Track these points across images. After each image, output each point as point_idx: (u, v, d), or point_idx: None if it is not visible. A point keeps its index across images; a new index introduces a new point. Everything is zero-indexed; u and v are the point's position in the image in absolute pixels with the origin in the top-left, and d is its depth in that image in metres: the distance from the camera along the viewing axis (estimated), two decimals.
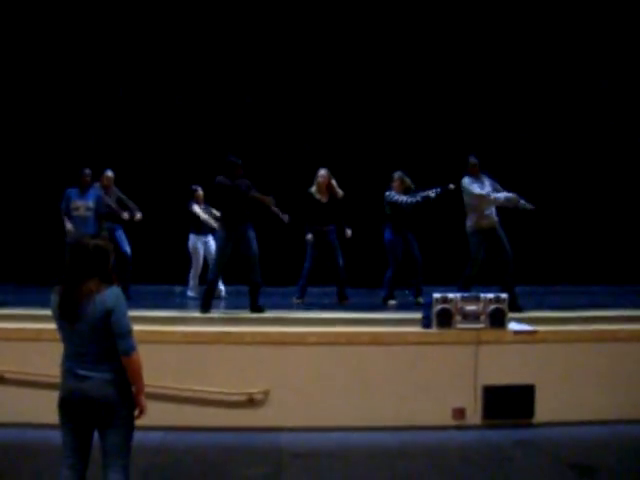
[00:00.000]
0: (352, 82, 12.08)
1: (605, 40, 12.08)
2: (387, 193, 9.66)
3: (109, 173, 10.04)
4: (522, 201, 8.86)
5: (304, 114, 12.13)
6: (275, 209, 8.91)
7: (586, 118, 12.25)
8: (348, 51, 12.01)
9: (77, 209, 9.39)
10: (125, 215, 9.82)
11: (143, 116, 11.96)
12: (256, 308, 8.31)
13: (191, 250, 10.55)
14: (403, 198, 9.52)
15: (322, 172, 9.64)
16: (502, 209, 8.96)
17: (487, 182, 8.90)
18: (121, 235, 10.05)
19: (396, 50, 12.08)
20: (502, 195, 8.79)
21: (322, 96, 12.11)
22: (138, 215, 9.91)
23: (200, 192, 10.54)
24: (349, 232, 9.94)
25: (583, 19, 12.11)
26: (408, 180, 9.74)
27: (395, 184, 9.69)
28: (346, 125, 12.08)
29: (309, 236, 9.74)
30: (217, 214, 9.79)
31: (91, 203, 9.41)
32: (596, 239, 12.05)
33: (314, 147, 11.76)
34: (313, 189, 9.67)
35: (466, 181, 8.82)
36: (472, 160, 8.91)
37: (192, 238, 10.53)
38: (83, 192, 9.44)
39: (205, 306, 8.31)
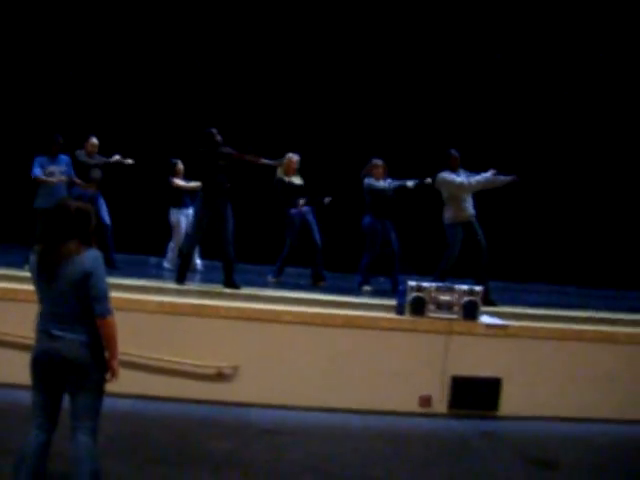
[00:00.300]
0: (341, 72, 12.06)
1: (604, 39, 12.11)
2: (366, 181, 9.70)
3: (94, 140, 10.03)
4: (501, 177, 8.89)
5: (285, 98, 12.10)
6: (265, 161, 8.86)
7: (572, 117, 12.32)
8: (332, 41, 11.96)
9: (52, 174, 9.38)
10: (116, 157, 9.98)
11: (123, 88, 11.91)
12: (230, 284, 8.34)
13: (173, 223, 10.54)
14: (381, 184, 9.58)
15: (293, 156, 9.69)
16: (481, 202, 9.01)
17: (463, 175, 8.94)
18: (102, 204, 10.03)
19: (383, 43, 12.06)
20: (481, 177, 8.81)
21: (307, 83, 12.08)
22: (129, 160, 10.05)
23: (180, 166, 10.55)
24: (327, 200, 9.97)
25: (581, 16, 12.11)
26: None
27: (374, 171, 9.71)
28: (327, 111, 12.06)
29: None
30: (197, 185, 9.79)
31: (64, 167, 9.45)
32: (574, 241, 12.17)
33: (295, 132, 11.72)
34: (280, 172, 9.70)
35: (444, 174, 8.85)
36: (453, 153, 8.94)
37: (174, 212, 10.52)
38: (54, 158, 9.45)
39: (180, 278, 8.34)
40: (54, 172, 9.39)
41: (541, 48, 12.12)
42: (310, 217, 9.76)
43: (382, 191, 9.55)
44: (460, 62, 12.16)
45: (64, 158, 9.52)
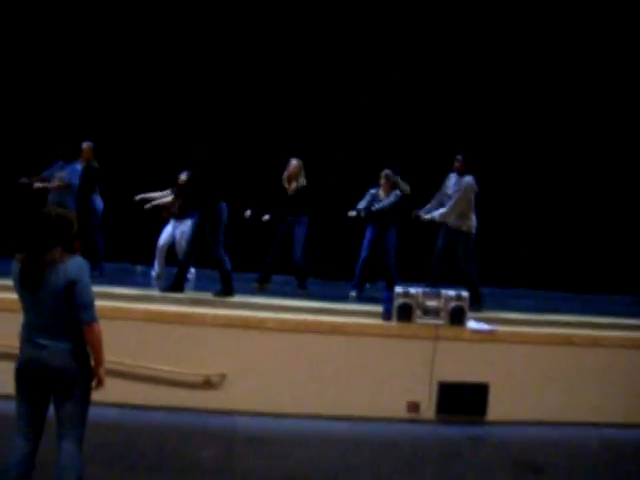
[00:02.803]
0: (346, 79, 12.01)
1: (605, 42, 12.10)
2: (372, 192, 9.82)
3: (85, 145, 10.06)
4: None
5: (288, 106, 12.07)
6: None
7: (558, 125, 12.36)
8: (339, 47, 11.92)
9: (53, 179, 9.41)
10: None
11: (124, 100, 11.84)
12: (226, 292, 8.28)
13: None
14: (384, 204, 9.66)
15: (293, 161, 9.67)
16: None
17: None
18: (99, 206, 10.05)
19: (389, 49, 12.05)
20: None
21: (312, 92, 12.04)
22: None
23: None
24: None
25: (582, 19, 12.16)
26: (396, 179, 9.85)
27: (382, 182, 9.82)
28: (331, 120, 12.04)
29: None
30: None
31: (66, 175, 9.40)
32: (560, 246, 12.19)
33: (299, 141, 11.71)
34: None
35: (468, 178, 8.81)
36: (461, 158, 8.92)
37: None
38: (64, 165, 9.46)
39: (177, 287, 8.27)
40: (55, 178, 9.43)
41: (544, 57, 12.15)
42: (295, 229, 9.65)
43: (382, 209, 9.72)
44: (461, 69, 12.14)
45: (70, 166, 9.47)
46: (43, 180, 9.54)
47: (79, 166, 9.65)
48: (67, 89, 11.68)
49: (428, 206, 9.01)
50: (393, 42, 12.01)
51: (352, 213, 9.83)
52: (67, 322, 4.15)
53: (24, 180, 9.59)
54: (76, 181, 9.52)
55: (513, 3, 12.11)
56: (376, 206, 9.73)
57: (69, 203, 9.18)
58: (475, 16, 12.08)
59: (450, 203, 8.74)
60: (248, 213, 9.67)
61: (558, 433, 7.20)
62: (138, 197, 9.95)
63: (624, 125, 12.31)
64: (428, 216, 8.90)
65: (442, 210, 8.81)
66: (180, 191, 9.22)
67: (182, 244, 9.72)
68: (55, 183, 9.40)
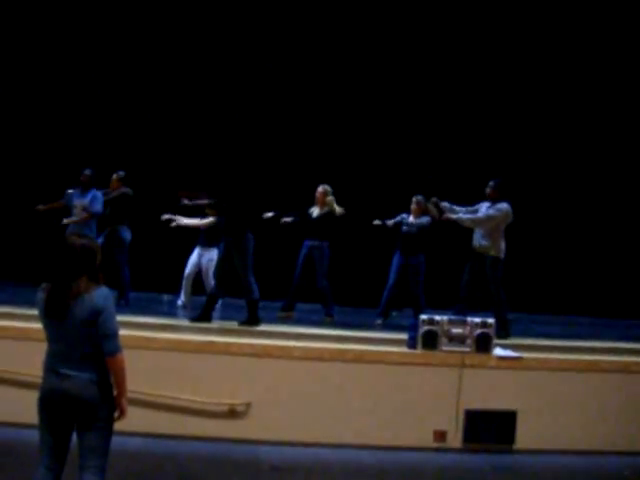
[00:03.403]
0: (374, 105, 12.13)
1: (608, 46, 12.11)
2: (404, 215, 9.86)
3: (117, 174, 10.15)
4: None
5: (308, 124, 12.15)
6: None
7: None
8: (355, 62, 12.04)
9: (75, 208, 9.52)
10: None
11: (148, 123, 11.99)
12: (253, 321, 8.27)
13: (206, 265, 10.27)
14: (414, 225, 9.71)
15: (320, 188, 9.69)
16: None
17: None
18: (126, 237, 10.04)
19: (407, 66, 12.15)
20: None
21: (339, 119, 12.13)
22: None
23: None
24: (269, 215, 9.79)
25: (587, 21, 12.16)
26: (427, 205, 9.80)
27: (413, 207, 9.83)
28: (359, 145, 12.11)
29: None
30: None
31: (87, 202, 9.50)
32: (584, 271, 12.09)
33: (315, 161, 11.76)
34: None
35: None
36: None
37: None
38: (83, 192, 9.60)
39: (205, 317, 8.27)
40: (77, 206, 9.60)
41: (551, 66, 12.16)
42: (315, 253, 9.64)
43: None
44: (492, 98, 12.19)
45: (91, 193, 9.62)
46: (59, 206, 9.73)
47: (99, 193, 9.74)
48: (89, 117, 11.88)
49: (458, 208, 8.96)
50: (423, 66, 12.13)
51: (377, 222, 9.80)
52: (91, 352, 4.16)
53: (41, 207, 9.71)
54: (99, 209, 9.62)
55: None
56: (405, 226, 9.70)
57: (89, 230, 9.30)
58: (503, 37, 12.14)
59: (486, 213, 8.68)
60: (270, 215, 9.71)
61: (587, 463, 7.07)
62: (165, 216, 9.91)
63: None
64: (454, 216, 8.82)
65: (473, 216, 8.74)
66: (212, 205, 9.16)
67: (208, 273, 9.76)
68: (83, 215, 9.49)
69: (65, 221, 9.63)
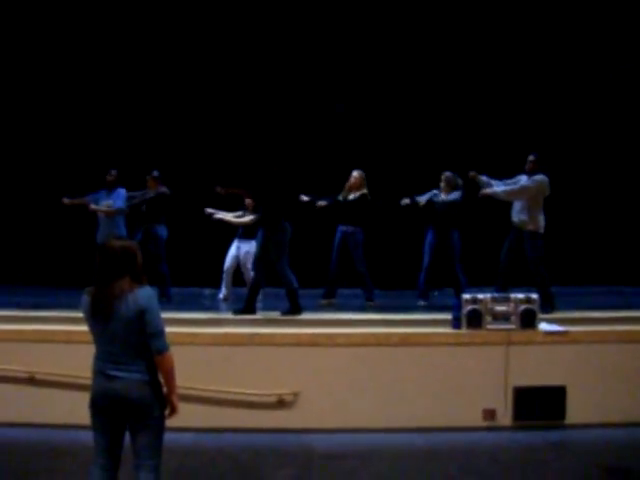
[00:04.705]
0: (399, 95, 12.08)
1: (609, 44, 11.95)
2: (435, 192, 9.78)
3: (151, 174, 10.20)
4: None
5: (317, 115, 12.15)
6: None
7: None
8: (381, 42, 11.97)
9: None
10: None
11: (182, 122, 12.04)
12: (294, 310, 8.27)
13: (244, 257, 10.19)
14: (446, 199, 9.64)
15: (354, 173, 9.67)
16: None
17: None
18: (163, 234, 10.06)
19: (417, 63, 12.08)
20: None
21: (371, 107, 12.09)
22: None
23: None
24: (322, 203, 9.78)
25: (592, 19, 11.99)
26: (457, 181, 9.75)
27: (442, 184, 9.75)
28: (388, 132, 12.06)
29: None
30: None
31: (113, 202, 9.65)
32: (627, 240, 11.92)
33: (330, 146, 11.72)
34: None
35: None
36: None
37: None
38: (109, 192, 9.73)
39: (249, 309, 8.29)
40: (103, 206, 9.71)
41: (559, 67, 12.02)
42: (350, 239, 9.61)
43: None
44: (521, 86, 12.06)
45: (117, 192, 9.74)
46: (83, 203, 9.80)
47: (123, 190, 9.85)
48: (122, 117, 11.97)
49: (494, 182, 8.87)
50: (452, 43, 12.03)
51: (405, 200, 9.74)
52: (138, 352, 4.19)
53: (66, 201, 9.82)
54: (122, 204, 9.76)
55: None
56: (437, 199, 9.66)
57: (120, 230, 9.44)
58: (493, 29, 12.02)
59: (521, 184, 8.60)
60: (306, 198, 9.75)
61: None
62: (208, 211, 9.93)
63: None
64: (489, 190, 8.71)
65: (508, 187, 8.66)
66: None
67: (247, 265, 9.79)
68: (103, 208, 9.64)
69: (65, 201, 9.80)
